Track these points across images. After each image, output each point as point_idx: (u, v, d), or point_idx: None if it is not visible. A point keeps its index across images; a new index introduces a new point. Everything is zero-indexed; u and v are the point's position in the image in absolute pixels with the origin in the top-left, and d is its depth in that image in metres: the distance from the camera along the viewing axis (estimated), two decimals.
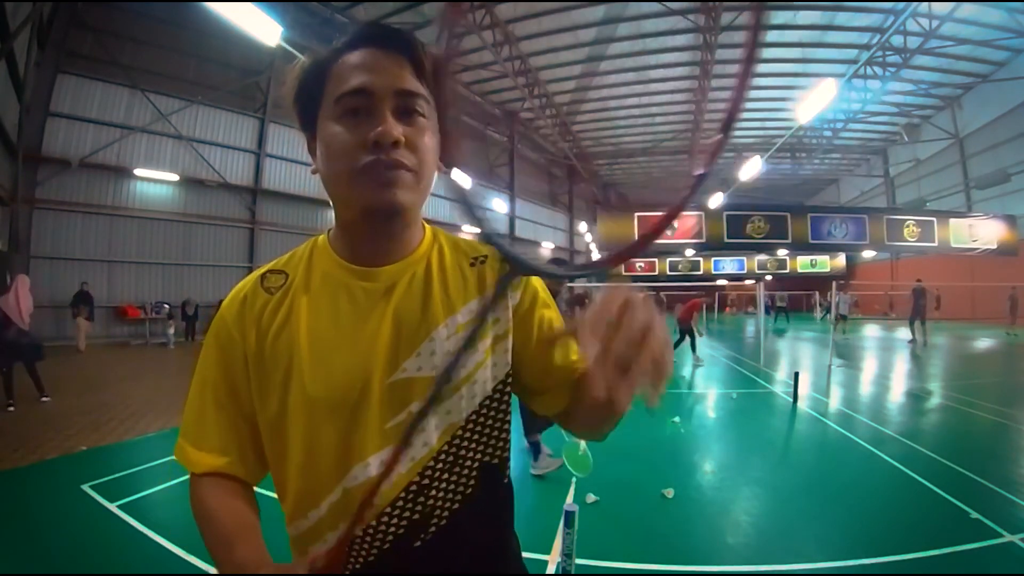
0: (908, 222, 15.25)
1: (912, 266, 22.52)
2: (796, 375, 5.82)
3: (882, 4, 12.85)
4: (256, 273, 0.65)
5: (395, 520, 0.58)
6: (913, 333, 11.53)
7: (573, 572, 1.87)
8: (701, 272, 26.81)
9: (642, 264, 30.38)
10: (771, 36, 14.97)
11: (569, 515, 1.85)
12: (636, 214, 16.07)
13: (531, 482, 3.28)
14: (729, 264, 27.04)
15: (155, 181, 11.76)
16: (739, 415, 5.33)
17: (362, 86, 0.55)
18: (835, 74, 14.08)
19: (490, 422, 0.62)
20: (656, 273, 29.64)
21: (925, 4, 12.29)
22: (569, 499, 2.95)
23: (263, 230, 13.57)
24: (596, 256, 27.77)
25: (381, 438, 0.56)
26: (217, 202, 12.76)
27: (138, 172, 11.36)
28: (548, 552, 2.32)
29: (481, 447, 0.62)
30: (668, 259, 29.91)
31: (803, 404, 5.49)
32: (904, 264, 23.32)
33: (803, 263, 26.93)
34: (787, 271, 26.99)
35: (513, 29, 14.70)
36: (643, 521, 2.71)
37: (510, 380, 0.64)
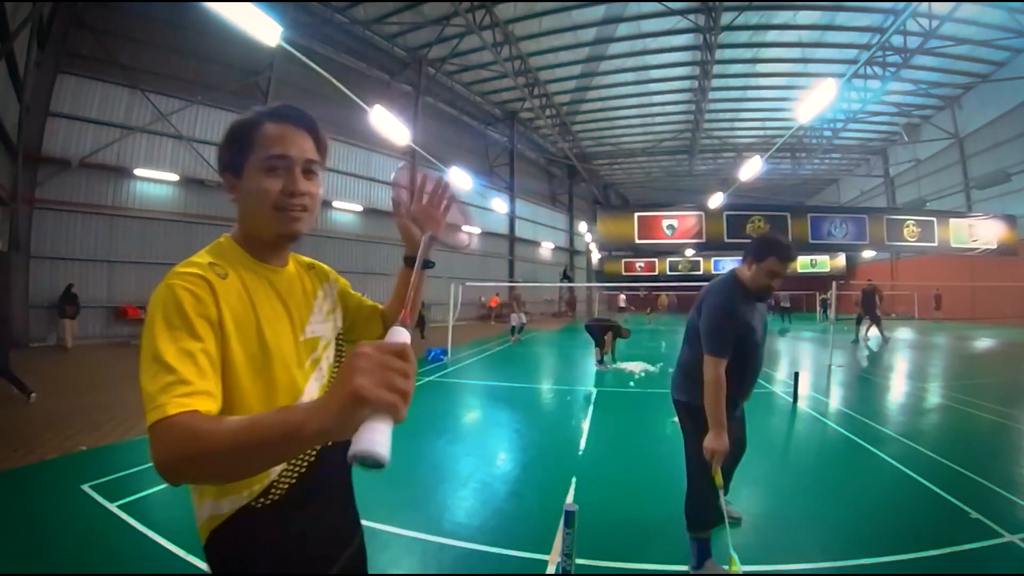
0: (908, 222, 15.27)
1: (912, 266, 22.52)
2: (796, 375, 5.82)
3: (882, 4, 12.86)
4: (199, 262, 0.78)
5: None
6: (881, 332, 11.45)
7: (573, 572, 1.87)
8: (701, 272, 26.79)
9: (642, 264, 30.41)
10: (771, 36, 14.99)
11: (569, 515, 1.85)
12: (636, 214, 16.10)
13: (531, 482, 3.28)
14: (729, 264, 27.03)
15: (155, 181, 11.75)
16: None
17: (284, 153, 0.81)
18: (835, 74, 14.06)
19: (341, 359, 0.98)
20: (656, 273, 29.66)
21: (925, 4, 12.29)
22: (569, 499, 2.95)
23: None
24: (595, 255, 27.77)
25: (305, 374, 0.87)
26: (217, 202, 12.71)
27: (138, 172, 11.35)
28: (548, 552, 2.32)
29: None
30: (668, 259, 29.93)
31: (803, 404, 5.50)
32: (904, 264, 23.32)
33: (803, 263, 26.96)
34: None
35: (513, 29, 14.71)
36: (643, 521, 2.71)
37: (341, 334, 1.04)
